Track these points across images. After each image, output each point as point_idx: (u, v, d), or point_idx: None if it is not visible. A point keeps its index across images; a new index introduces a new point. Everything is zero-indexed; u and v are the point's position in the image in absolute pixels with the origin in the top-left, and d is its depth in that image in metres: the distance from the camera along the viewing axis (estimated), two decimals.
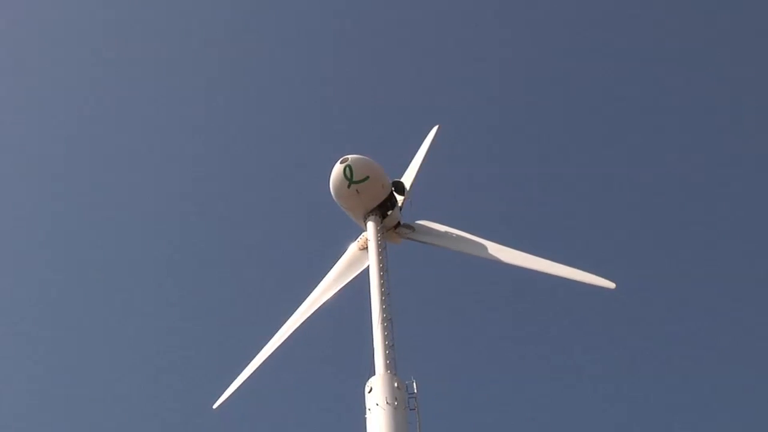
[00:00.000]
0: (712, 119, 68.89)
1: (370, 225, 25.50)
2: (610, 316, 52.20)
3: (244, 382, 26.44)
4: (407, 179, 28.51)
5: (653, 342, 55.36)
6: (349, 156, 25.34)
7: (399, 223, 26.54)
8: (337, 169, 25.03)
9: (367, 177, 25.15)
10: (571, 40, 71.54)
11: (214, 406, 26.86)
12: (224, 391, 26.82)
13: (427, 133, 31.25)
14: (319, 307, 26.06)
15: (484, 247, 25.30)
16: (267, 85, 71.42)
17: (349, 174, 25.07)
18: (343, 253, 26.82)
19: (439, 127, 31.34)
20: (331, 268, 26.85)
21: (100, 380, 58.02)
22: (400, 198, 26.91)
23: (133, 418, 54.87)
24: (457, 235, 26.12)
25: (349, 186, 25.25)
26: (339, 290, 25.77)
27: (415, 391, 20.94)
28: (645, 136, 67.50)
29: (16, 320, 62.78)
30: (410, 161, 29.99)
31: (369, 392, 20.84)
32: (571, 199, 62.01)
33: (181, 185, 66.75)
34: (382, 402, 20.33)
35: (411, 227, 26.70)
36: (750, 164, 66.72)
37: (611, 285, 23.81)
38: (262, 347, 27.00)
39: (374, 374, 21.23)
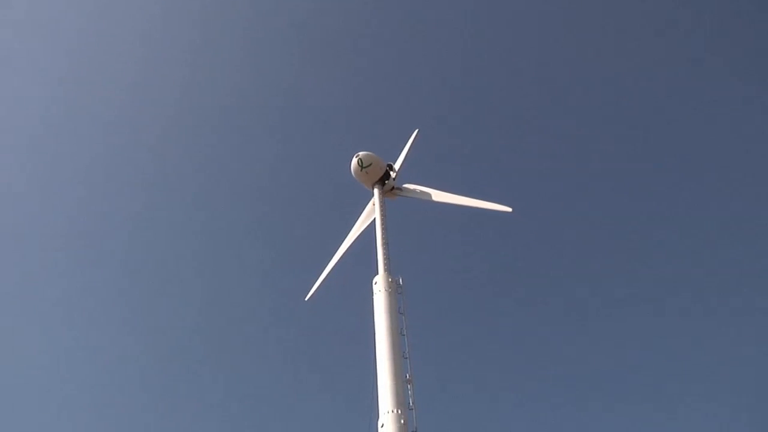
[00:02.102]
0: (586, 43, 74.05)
1: (376, 191, 32.65)
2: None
3: (322, 281, 32.68)
4: (397, 163, 34.48)
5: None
6: (360, 152, 32.90)
7: (393, 187, 33.29)
8: (354, 161, 32.86)
9: (371, 163, 32.88)
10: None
11: (306, 298, 32.66)
12: (312, 286, 32.65)
13: (411, 134, 36.20)
14: (356, 237, 32.89)
15: (430, 194, 32.45)
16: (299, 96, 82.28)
17: (360, 163, 32.78)
18: (364, 208, 33.62)
19: (418, 131, 36.18)
20: (359, 216, 33.57)
21: (219, 279, 74.83)
22: (392, 173, 33.58)
23: (249, 309, 72.41)
24: (420, 189, 32.88)
25: (361, 170, 32.78)
26: (365, 228, 32.59)
27: (401, 283, 26.91)
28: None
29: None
30: (399, 152, 35.46)
31: (375, 284, 26.96)
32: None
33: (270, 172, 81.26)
34: (382, 289, 26.61)
35: (400, 189, 33.34)
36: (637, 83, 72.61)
37: (508, 209, 29.19)
38: (331, 258, 33.22)
39: (378, 273, 27.46)
